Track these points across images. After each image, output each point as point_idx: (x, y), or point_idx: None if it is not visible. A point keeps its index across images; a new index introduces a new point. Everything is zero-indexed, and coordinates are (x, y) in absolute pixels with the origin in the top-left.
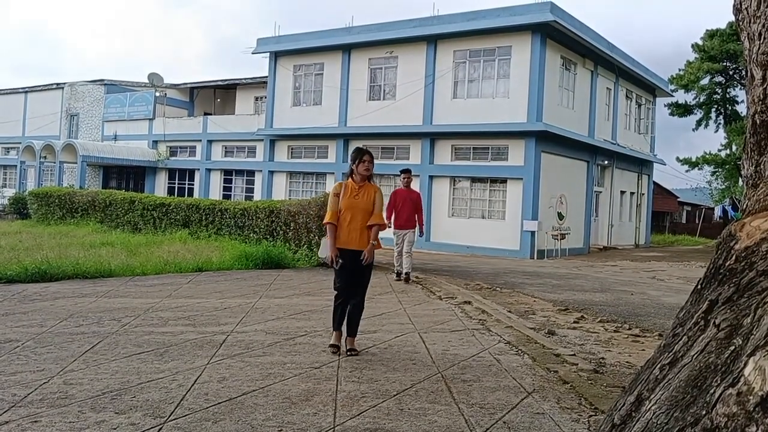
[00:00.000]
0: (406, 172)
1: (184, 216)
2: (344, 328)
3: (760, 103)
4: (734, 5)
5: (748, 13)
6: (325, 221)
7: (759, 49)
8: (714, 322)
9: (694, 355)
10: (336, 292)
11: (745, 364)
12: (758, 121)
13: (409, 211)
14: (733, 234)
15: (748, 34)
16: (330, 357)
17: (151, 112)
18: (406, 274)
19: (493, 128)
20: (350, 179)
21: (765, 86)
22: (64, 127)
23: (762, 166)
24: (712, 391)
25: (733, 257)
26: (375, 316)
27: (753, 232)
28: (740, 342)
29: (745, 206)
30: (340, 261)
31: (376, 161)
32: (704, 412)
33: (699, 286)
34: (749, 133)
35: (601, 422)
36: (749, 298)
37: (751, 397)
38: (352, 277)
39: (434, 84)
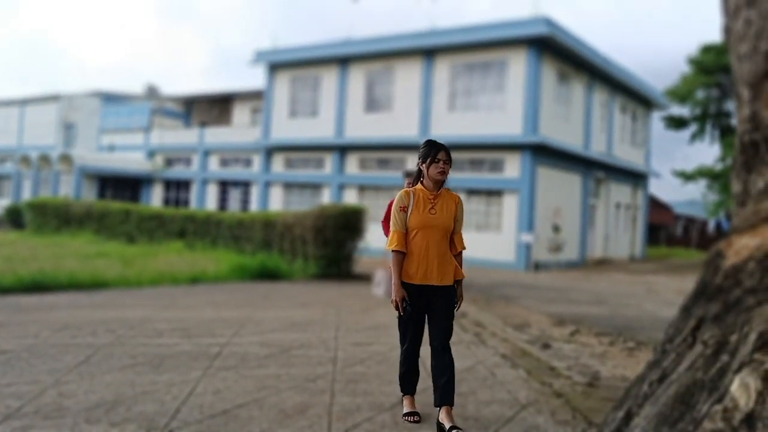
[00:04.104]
0: (411, 176)
1: (180, 227)
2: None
3: (747, 122)
4: (723, 26)
5: (736, 35)
6: (391, 246)
7: (746, 69)
8: (702, 339)
9: (682, 371)
10: (405, 348)
11: (731, 381)
12: (746, 141)
13: None
14: (721, 252)
15: (737, 54)
16: (325, 369)
17: (147, 123)
18: None
19: (489, 140)
20: (420, 185)
21: (753, 106)
22: (60, 138)
23: (750, 185)
24: (699, 407)
25: (721, 275)
26: (371, 328)
27: (740, 250)
28: (727, 359)
29: (733, 224)
30: (409, 308)
31: (372, 173)
32: (691, 428)
33: (687, 303)
34: (738, 153)
35: None
36: (736, 315)
37: (737, 414)
38: (431, 321)
39: (431, 96)
